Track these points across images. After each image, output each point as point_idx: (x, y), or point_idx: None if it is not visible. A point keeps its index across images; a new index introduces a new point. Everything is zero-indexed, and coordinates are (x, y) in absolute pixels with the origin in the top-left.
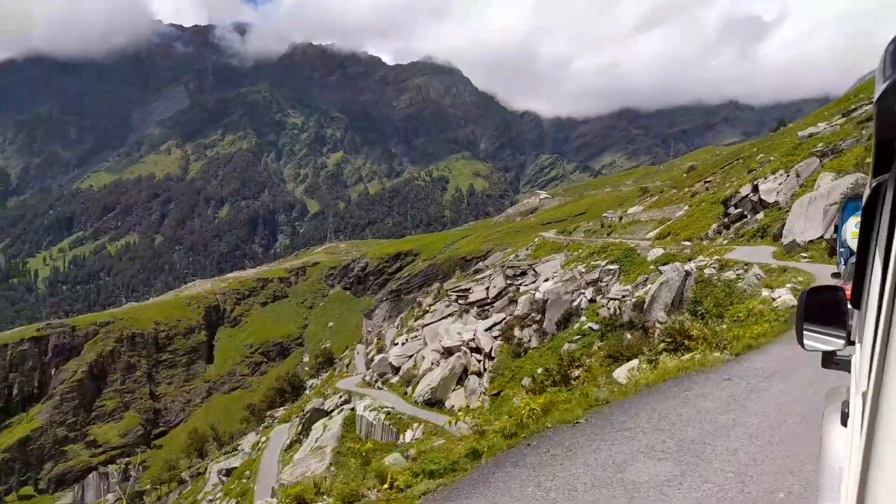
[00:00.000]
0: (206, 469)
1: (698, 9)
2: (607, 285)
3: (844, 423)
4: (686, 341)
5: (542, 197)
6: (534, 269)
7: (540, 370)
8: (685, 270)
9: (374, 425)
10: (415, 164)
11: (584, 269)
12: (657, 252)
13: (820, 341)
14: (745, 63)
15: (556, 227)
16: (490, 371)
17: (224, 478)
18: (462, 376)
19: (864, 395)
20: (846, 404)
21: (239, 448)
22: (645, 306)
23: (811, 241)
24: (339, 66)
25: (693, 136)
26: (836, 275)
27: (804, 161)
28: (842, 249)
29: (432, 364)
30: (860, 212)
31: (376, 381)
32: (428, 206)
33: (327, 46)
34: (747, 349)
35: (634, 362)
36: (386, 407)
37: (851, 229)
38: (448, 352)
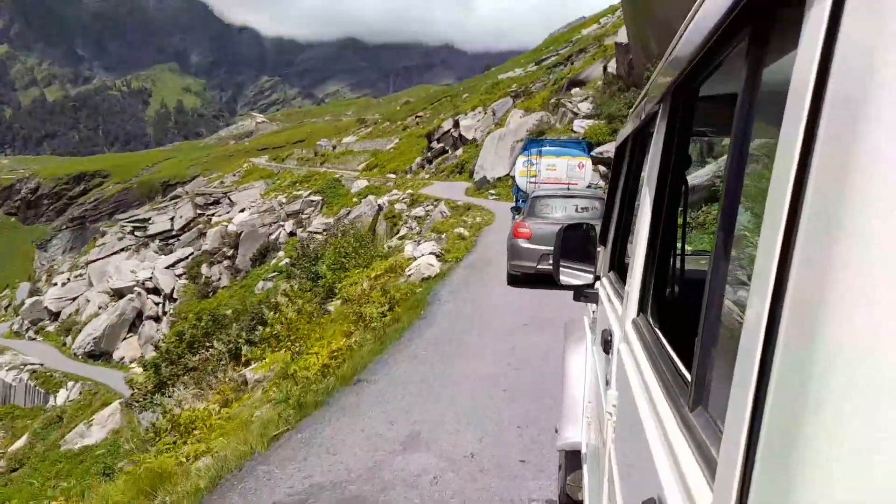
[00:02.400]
0: None
1: None
2: (309, 217)
3: (607, 350)
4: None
5: (259, 121)
6: (229, 198)
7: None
8: (378, 205)
9: (15, 387)
10: (109, 72)
11: (284, 200)
12: (361, 184)
13: (573, 276)
14: (462, 9)
15: (272, 154)
16: (171, 315)
17: None
18: (136, 322)
19: (636, 321)
20: (608, 332)
21: None
22: None
23: (499, 178)
24: None
25: (413, 75)
26: (515, 209)
27: (500, 100)
28: (514, 186)
29: (99, 308)
30: (528, 152)
31: (28, 329)
32: (126, 121)
33: None
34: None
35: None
36: (32, 364)
37: (520, 168)
38: (118, 294)
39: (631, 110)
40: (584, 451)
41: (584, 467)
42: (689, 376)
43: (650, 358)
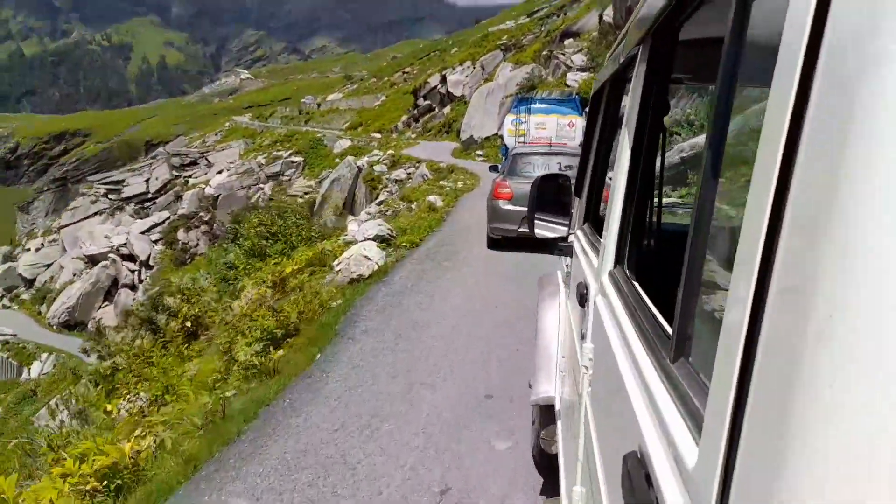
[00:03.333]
0: None
1: None
2: (290, 180)
3: (583, 303)
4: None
5: (243, 77)
6: (206, 159)
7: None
8: (357, 167)
9: None
10: (88, 24)
11: (264, 161)
12: (344, 144)
13: (549, 230)
14: None
15: (256, 112)
16: (147, 283)
17: None
18: (112, 290)
19: (613, 273)
20: (583, 286)
21: None
22: (315, 207)
23: (487, 138)
24: None
25: (402, 28)
26: (493, 168)
27: (490, 53)
28: (503, 146)
29: (74, 275)
30: (516, 109)
31: (2, 297)
32: (108, 77)
33: None
34: None
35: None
36: (4, 335)
37: (508, 126)
38: (92, 260)
39: (609, 53)
40: (557, 405)
41: (559, 422)
42: (669, 328)
43: (628, 310)
